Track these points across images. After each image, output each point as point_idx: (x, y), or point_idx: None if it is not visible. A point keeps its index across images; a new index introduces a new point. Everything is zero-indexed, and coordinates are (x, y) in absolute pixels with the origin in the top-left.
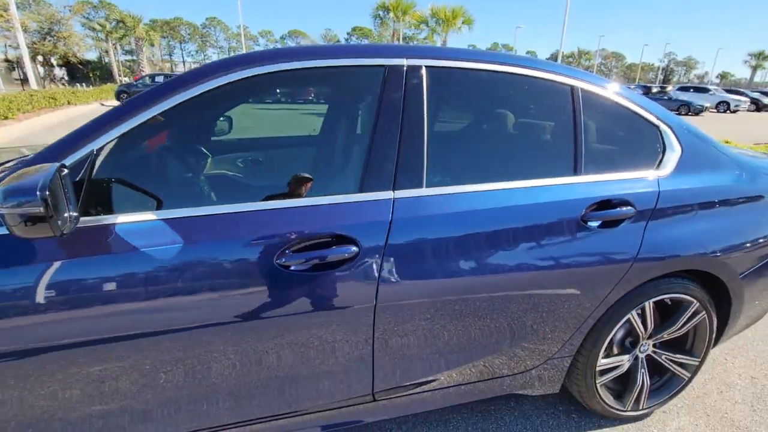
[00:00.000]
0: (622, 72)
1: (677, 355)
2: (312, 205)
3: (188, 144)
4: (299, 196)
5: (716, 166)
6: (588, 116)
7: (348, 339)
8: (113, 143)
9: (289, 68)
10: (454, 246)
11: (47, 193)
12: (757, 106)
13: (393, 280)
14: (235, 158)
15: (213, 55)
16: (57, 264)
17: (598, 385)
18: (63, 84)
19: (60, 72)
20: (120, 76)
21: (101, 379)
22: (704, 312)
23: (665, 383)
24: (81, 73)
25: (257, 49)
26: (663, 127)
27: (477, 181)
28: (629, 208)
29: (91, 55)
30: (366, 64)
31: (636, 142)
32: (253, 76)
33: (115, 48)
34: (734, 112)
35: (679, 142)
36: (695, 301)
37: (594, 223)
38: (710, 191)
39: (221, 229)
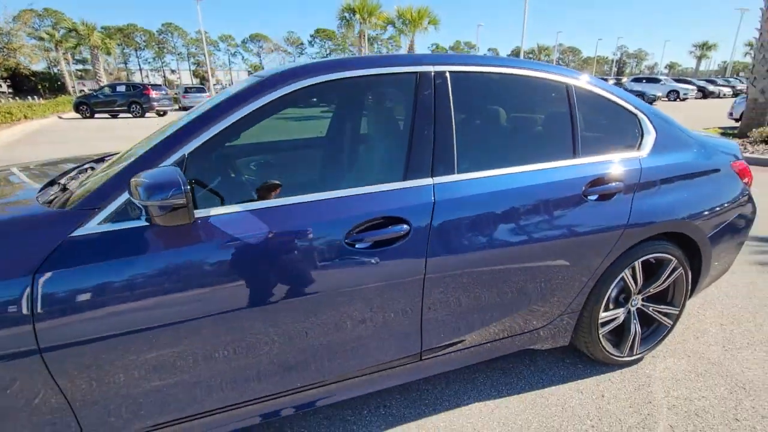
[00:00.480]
0: (579, 65)
1: (661, 306)
2: (369, 193)
3: (260, 146)
4: (355, 186)
5: (683, 146)
6: (581, 108)
7: (403, 306)
8: (200, 147)
9: (345, 77)
10: (484, 222)
11: (188, 187)
12: (704, 94)
13: (438, 253)
14: (287, 158)
15: (171, 62)
16: (179, 249)
17: (600, 336)
18: (12, 98)
19: (3, 85)
20: (80, 86)
21: (225, 340)
22: (681, 268)
23: (653, 332)
24: (27, 85)
25: (218, 54)
26: (640, 115)
27: (497, 166)
28: (620, 182)
29: (39, 66)
30: (401, 72)
31: (620, 128)
32: (316, 84)
33: (66, 58)
34: (683, 99)
35: (653, 127)
36: (674, 259)
37: (593, 197)
38: (680, 167)
39: (297, 217)
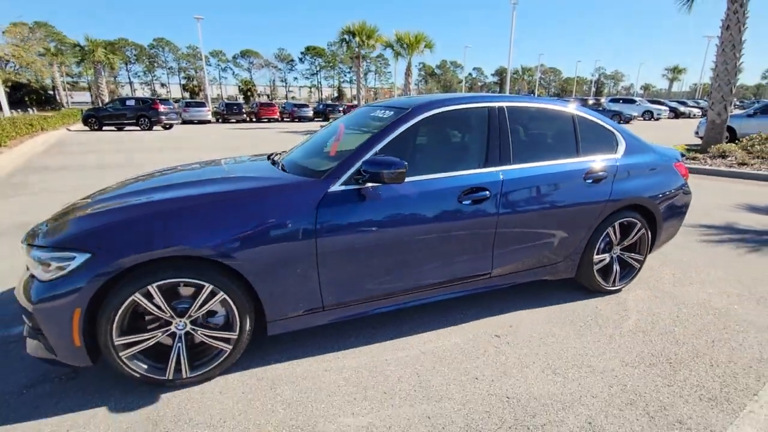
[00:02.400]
0: (560, 85)
1: (632, 254)
2: (469, 174)
3: (414, 146)
4: (462, 169)
5: (642, 152)
6: (581, 128)
7: (484, 240)
8: (383, 147)
9: (453, 108)
10: (528, 193)
11: (406, 163)
12: (676, 114)
13: (504, 209)
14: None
15: (162, 76)
16: (390, 198)
17: (594, 271)
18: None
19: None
20: (99, 98)
21: (419, 254)
22: (644, 229)
23: (627, 272)
24: (14, 97)
25: (209, 69)
26: (616, 132)
27: (534, 161)
28: (604, 173)
29: (23, 79)
30: (482, 106)
31: (603, 140)
32: (440, 112)
33: (60, 71)
34: (657, 119)
35: (624, 140)
36: (639, 223)
37: (589, 181)
38: (641, 164)
39: (437, 184)
